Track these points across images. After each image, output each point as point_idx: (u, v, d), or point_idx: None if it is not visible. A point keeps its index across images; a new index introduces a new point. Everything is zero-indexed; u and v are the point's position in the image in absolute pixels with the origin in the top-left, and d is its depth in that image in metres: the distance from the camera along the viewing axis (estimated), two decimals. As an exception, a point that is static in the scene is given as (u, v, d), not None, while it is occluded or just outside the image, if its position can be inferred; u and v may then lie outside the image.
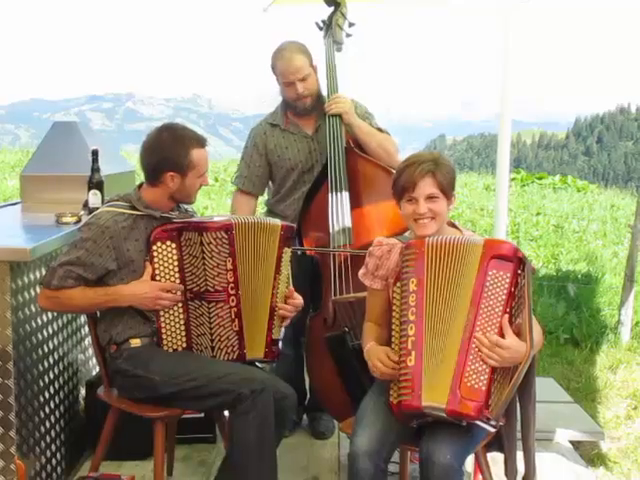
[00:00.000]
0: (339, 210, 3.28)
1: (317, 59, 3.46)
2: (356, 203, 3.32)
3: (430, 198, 2.47)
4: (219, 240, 2.69)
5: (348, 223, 3.28)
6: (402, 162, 2.58)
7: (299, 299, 2.89)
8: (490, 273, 2.29)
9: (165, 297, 2.68)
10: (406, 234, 2.66)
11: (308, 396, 3.75)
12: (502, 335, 2.26)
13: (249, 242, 2.75)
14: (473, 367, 2.26)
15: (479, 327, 2.28)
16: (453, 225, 2.63)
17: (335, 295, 3.24)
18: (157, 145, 2.72)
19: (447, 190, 2.49)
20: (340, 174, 3.31)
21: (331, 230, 3.27)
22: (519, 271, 2.29)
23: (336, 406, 3.28)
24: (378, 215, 3.30)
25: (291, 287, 2.89)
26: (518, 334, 2.28)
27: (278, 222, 2.84)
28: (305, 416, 3.81)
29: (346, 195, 3.30)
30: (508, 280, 2.28)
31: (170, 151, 2.69)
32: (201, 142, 2.76)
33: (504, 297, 2.27)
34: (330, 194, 3.30)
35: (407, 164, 2.52)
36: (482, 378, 2.25)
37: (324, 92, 3.49)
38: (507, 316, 2.27)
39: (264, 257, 2.78)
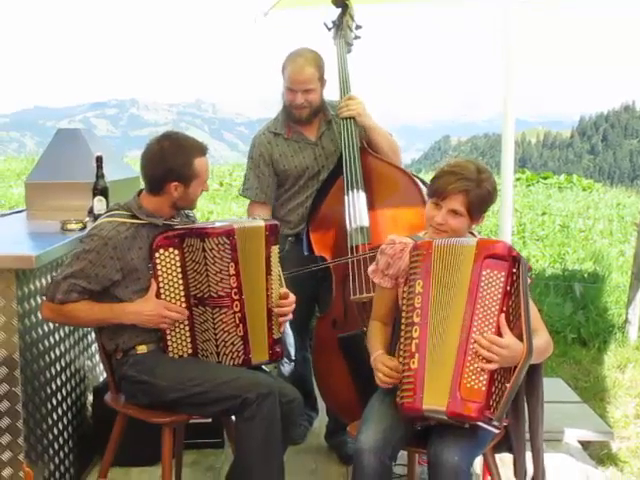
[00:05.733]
0: (356, 209, 3.25)
1: (326, 59, 3.44)
2: (372, 202, 3.29)
3: (454, 212, 2.45)
4: (221, 246, 2.68)
5: (365, 222, 3.24)
6: (449, 164, 2.53)
7: (292, 297, 2.88)
8: (484, 273, 2.29)
9: (169, 315, 2.68)
10: (420, 234, 2.63)
11: (327, 420, 3.65)
12: (500, 334, 2.25)
13: (247, 246, 2.74)
14: (472, 368, 2.25)
15: (476, 327, 2.27)
16: (471, 233, 2.61)
17: (352, 293, 3.20)
18: (160, 156, 2.70)
19: (474, 212, 2.46)
20: (356, 173, 3.28)
21: (348, 229, 3.24)
22: (514, 270, 2.28)
23: (345, 408, 3.27)
24: (395, 214, 3.28)
25: (284, 289, 2.87)
26: (519, 335, 2.27)
27: (261, 222, 2.82)
28: (327, 442, 3.67)
29: (362, 194, 3.27)
30: (503, 279, 2.27)
31: (174, 162, 2.67)
32: (203, 150, 2.76)
33: (500, 296, 2.27)
34: (346, 193, 3.27)
35: (450, 171, 2.47)
36: (482, 379, 2.24)
37: (336, 95, 3.47)
38: (504, 315, 2.26)
39: (257, 260, 2.77)
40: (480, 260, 2.30)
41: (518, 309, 2.29)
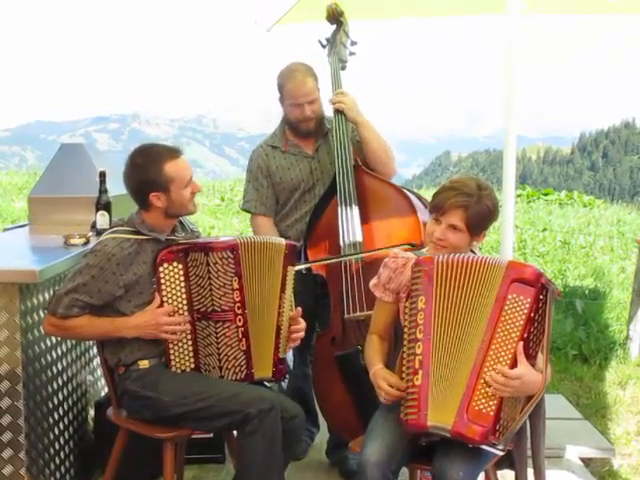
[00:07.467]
0: (349, 225, 3.27)
1: (321, 77, 3.47)
2: (366, 219, 3.30)
3: (453, 227, 2.45)
4: (225, 260, 2.70)
5: (359, 237, 3.25)
6: (450, 180, 2.56)
7: (302, 324, 2.89)
8: (510, 297, 2.24)
9: (166, 321, 2.67)
10: (423, 250, 2.64)
11: (328, 435, 3.64)
12: (515, 362, 2.23)
13: (255, 261, 2.76)
14: (483, 391, 2.23)
15: (493, 351, 2.25)
16: (472, 251, 2.61)
17: (347, 312, 3.21)
18: (131, 172, 2.72)
19: (474, 228, 2.46)
20: (349, 188, 3.29)
21: (342, 244, 3.25)
22: (541, 296, 2.24)
23: (345, 425, 3.26)
24: (388, 231, 3.28)
25: (298, 308, 2.89)
26: (536, 363, 2.26)
27: (282, 241, 2.86)
28: (328, 458, 3.65)
29: (356, 209, 3.28)
30: (528, 305, 2.22)
31: (144, 174, 2.68)
32: (173, 153, 2.72)
33: (522, 322, 2.22)
34: (339, 208, 3.29)
35: (451, 186, 2.49)
36: (491, 403, 2.22)
37: (330, 111, 3.49)
38: (522, 343, 2.23)
39: (270, 276, 2.79)
40: (507, 283, 2.25)
41: (540, 336, 2.26)
